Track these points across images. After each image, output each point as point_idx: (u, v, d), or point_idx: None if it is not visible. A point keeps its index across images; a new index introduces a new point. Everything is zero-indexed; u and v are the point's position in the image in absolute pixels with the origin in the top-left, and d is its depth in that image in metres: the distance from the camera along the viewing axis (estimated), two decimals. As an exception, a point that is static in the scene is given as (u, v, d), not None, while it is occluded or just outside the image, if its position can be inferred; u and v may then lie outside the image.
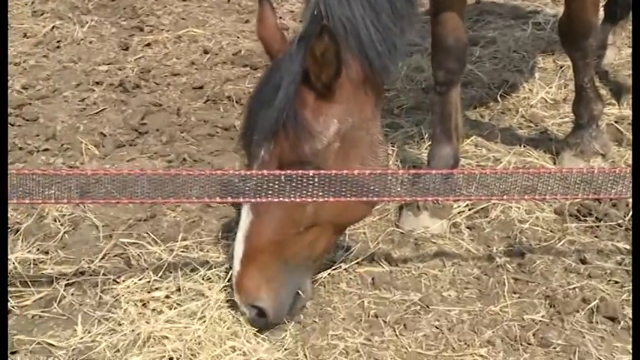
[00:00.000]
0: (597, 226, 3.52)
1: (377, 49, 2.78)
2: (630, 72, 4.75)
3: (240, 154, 2.88)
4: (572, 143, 3.99)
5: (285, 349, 2.83)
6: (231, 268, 2.91)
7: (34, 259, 3.31)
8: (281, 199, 2.54)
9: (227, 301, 2.98)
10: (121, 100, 4.82)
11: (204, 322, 2.90)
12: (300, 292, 2.89)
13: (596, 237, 3.47)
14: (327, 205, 2.72)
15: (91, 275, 3.20)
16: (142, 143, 4.35)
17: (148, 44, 5.67)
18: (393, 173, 2.75)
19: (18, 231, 3.48)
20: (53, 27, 5.92)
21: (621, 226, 3.50)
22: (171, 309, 2.99)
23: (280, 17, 6.01)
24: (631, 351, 2.80)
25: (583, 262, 3.30)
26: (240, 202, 2.80)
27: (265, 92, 2.75)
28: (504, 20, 5.94)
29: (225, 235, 3.47)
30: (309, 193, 2.53)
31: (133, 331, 2.88)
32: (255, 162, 2.75)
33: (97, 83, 5.03)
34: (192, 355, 2.77)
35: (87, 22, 6.02)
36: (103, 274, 3.18)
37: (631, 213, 3.48)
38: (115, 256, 3.36)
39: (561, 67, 4.99)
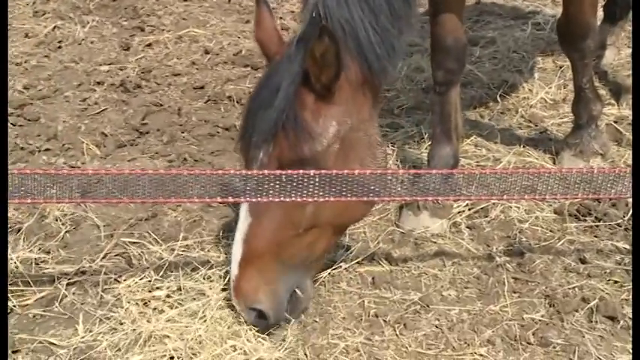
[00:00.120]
0: (597, 226, 3.53)
1: (376, 50, 2.78)
2: (630, 72, 4.76)
3: (238, 156, 2.88)
4: (572, 143, 4.00)
5: (286, 349, 2.84)
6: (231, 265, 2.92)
7: (35, 259, 3.32)
8: (282, 198, 2.54)
9: (228, 300, 2.99)
10: (122, 100, 4.83)
11: (205, 321, 2.91)
12: (301, 293, 2.89)
13: (595, 237, 3.48)
14: (327, 206, 2.72)
15: (92, 274, 3.21)
16: (143, 143, 4.36)
17: (149, 44, 5.68)
18: (394, 173, 2.76)
19: (19, 230, 3.49)
20: (54, 27, 5.93)
21: (621, 226, 3.51)
22: (172, 308, 3.00)
23: (281, 17, 6.03)
24: (631, 350, 2.81)
25: (583, 261, 3.31)
26: (241, 202, 2.80)
27: (264, 94, 2.75)
28: (504, 21, 5.95)
29: (226, 234, 3.48)
30: (310, 193, 2.53)
31: (134, 330, 2.89)
32: (254, 164, 2.74)
33: (98, 83, 5.04)
34: (193, 354, 2.78)
35: (88, 23, 6.03)
36: (104, 274, 3.19)
37: (630, 213, 3.49)
38: (116, 255, 3.37)
39: (561, 68, 4.99)
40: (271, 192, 2.54)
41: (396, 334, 2.93)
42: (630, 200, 3.22)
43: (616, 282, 3.18)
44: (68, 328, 2.95)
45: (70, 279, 3.19)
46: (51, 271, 3.24)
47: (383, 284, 3.19)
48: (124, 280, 3.16)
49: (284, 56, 2.78)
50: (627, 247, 3.36)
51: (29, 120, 4.56)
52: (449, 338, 2.91)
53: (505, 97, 4.72)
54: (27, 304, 3.08)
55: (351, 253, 3.35)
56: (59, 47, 5.64)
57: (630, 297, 3.03)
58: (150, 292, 3.10)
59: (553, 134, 4.33)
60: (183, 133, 4.46)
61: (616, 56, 5.13)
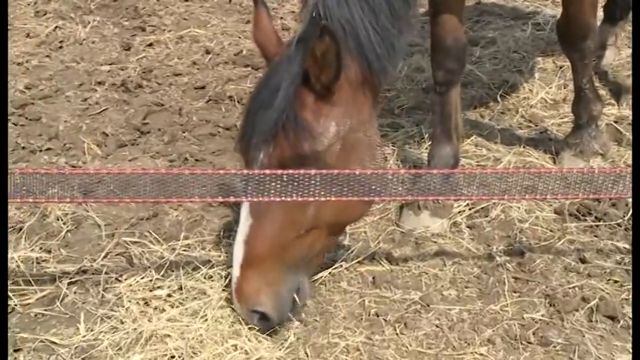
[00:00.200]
0: (597, 226, 3.54)
1: (376, 50, 2.78)
2: (630, 72, 4.77)
3: (238, 157, 2.88)
4: (572, 143, 4.01)
5: (287, 348, 2.85)
6: (232, 266, 2.93)
7: (36, 258, 3.33)
8: (283, 198, 2.54)
9: (228, 299, 2.99)
10: (123, 99, 4.84)
11: (205, 320, 2.91)
12: (298, 292, 2.89)
13: (595, 236, 3.49)
14: (327, 206, 2.73)
15: (93, 274, 3.22)
16: (144, 143, 4.37)
17: (150, 44, 5.69)
18: (394, 173, 2.76)
19: (21, 230, 3.50)
20: (56, 27, 5.94)
21: (621, 226, 3.52)
22: (173, 307, 3.01)
23: (282, 18, 6.04)
24: (631, 350, 2.81)
25: (583, 261, 3.31)
26: (242, 202, 2.81)
27: (264, 95, 2.74)
28: (504, 21, 5.95)
29: (226, 234, 3.48)
30: (311, 193, 2.53)
31: (135, 329, 2.89)
32: (255, 165, 2.73)
33: (100, 83, 5.05)
34: (193, 353, 2.78)
35: (89, 23, 6.03)
36: (106, 273, 3.20)
37: (630, 212, 3.49)
38: (117, 254, 3.38)
39: (561, 68, 5.00)
40: (272, 192, 2.54)
41: (397, 334, 2.94)
42: (630, 200, 3.22)
43: (616, 282, 3.19)
44: (69, 327, 2.96)
45: (71, 278, 3.19)
46: (52, 271, 3.25)
47: (383, 284, 3.20)
48: (125, 280, 3.17)
49: (284, 57, 2.78)
50: (627, 246, 3.36)
51: (31, 120, 4.57)
52: (449, 338, 2.92)
53: (505, 97, 4.72)
54: (28, 303, 3.08)
55: (351, 252, 3.35)
56: (60, 47, 5.65)
57: (630, 296, 3.03)
58: (151, 291, 3.10)
59: (553, 134, 4.34)
60: (184, 132, 4.47)
61: (616, 56, 5.13)
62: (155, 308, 3.01)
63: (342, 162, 2.73)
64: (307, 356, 2.83)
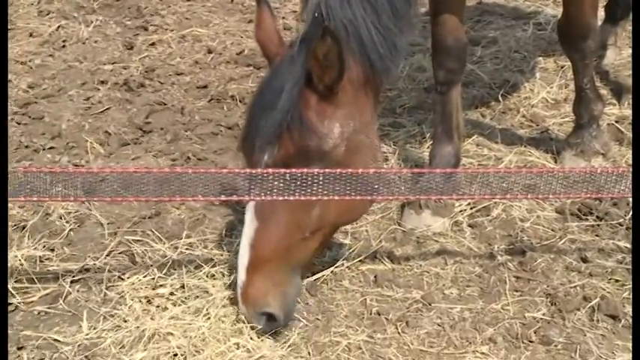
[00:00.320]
0: (598, 225, 3.54)
1: (379, 50, 2.78)
2: (631, 72, 4.78)
3: (240, 156, 2.88)
4: (573, 143, 4.01)
5: (289, 346, 2.86)
6: (234, 265, 2.94)
7: (40, 256, 3.34)
8: (286, 197, 2.55)
9: (231, 298, 3.00)
10: (125, 99, 4.85)
11: (208, 318, 2.92)
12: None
13: (597, 236, 3.49)
14: (332, 207, 2.73)
15: (96, 272, 3.24)
16: (147, 142, 4.38)
17: (153, 44, 5.70)
18: (397, 172, 2.77)
19: (24, 228, 3.51)
20: (59, 26, 5.96)
21: (622, 225, 3.52)
22: (175, 306, 3.02)
23: (283, 17, 6.04)
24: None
25: (584, 260, 3.32)
26: (245, 201, 2.81)
27: (267, 96, 2.73)
28: (505, 21, 5.96)
29: (229, 232, 3.50)
30: (314, 192, 2.54)
31: (137, 327, 2.90)
32: (259, 167, 2.72)
33: (102, 82, 5.06)
34: (196, 351, 2.79)
35: (92, 22, 6.05)
36: (108, 271, 3.21)
37: (631, 212, 3.50)
38: (120, 253, 3.39)
39: (562, 67, 5.00)
40: (275, 191, 2.54)
41: (398, 332, 2.95)
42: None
43: (617, 281, 3.20)
44: (72, 325, 2.97)
45: (74, 276, 3.21)
46: (55, 269, 3.26)
47: (385, 282, 3.21)
48: (128, 278, 3.18)
49: (286, 58, 2.77)
50: (628, 246, 3.37)
51: (34, 118, 4.59)
52: (451, 336, 2.93)
53: (507, 97, 4.73)
54: (32, 301, 3.10)
55: (353, 251, 3.37)
56: (63, 46, 5.66)
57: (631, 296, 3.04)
58: (153, 289, 3.11)
59: (554, 134, 4.34)
60: (186, 131, 4.48)
61: (617, 56, 5.14)
62: (157, 306, 3.02)
63: (345, 162, 2.72)
64: (309, 355, 2.84)
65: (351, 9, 2.74)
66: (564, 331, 2.94)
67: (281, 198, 2.56)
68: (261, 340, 2.84)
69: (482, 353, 2.85)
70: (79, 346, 2.86)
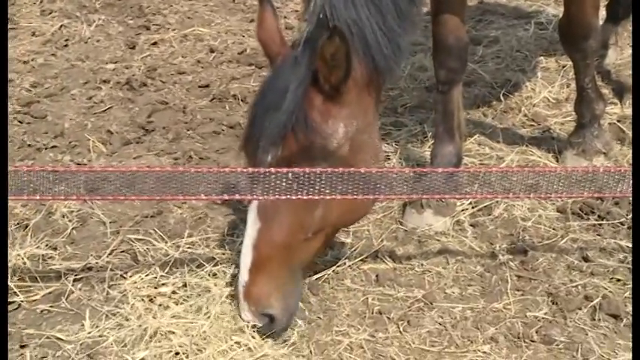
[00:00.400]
0: (600, 225, 3.55)
1: (383, 51, 2.77)
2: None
3: (242, 155, 2.88)
4: (575, 142, 4.02)
5: (290, 345, 2.86)
6: (236, 264, 2.94)
7: (42, 255, 3.35)
8: (289, 196, 2.55)
9: (232, 296, 3.01)
10: (127, 98, 4.87)
11: (210, 317, 2.93)
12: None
13: (598, 235, 3.50)
14: (334, 207, 2.74)
15: (98, 271, 3.24)
16: (149, 141, 4.39)
17: (155, 43, 5.71)
18: (399, 171, 2.77)
19: (27, 227, 3.52)
20: (61, 26, 5.97)
21: (623, 225, 3.52)
22: (177, 304, 3.02)
23: (285, 17, 6.05)
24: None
25: (585, 259, 3.32)
26: (248, 200, 2.82)
27: (270, 97, 2.72)
28: (507, 20, 5.96)
29: (230, 231, 3.50)
30: (317, 191, 2.54)
31: (139, 326, 2.91)
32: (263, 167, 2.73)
33: (105, 81, 5.07)
34: (198, 350, 2.80)
35: (94, 21, 6.06)
36: (111, 270, 3.22)
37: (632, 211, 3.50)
38: (122, 251, 3.40)
39: (564, 67, 5.00)
40: (278, 190, 2.54)
41: (400, 331, 2.95)
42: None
43: (619, 280, 3.20)
44: (75, 324, 2.98)
45: (76, 275, 3.21)
46: (58, 267, 3.27)
47: (387, 282, 3.21)
48: (130, 277, 3.18)
49: (290, 58, 2.75)
50: (630, 245, 3.37)
51: (36, 117, 4.60)
52: (452, 336, 2.93)
53: (508, 96, 4.73)
54: (34, 300, 3.10)
55: (355, 250, 3.37)
56: (66, 46, 5.68)
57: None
58: (155, 288, 3.12)
59: (556, 133, 4.34)
60: (188, 130, 4.49)
61: (619, 56, 5.14)
62: (160, 305, 3.03)
63: (348, 162, 2.72)
64: (311, 354, 2.85)
65: (356, 10, 2.72)
66: (566, 331, 2.95)
67: (283, 197, 2.56)
68: (263, 339, 2.85)
69: (484, 352, 2.85)
70: (81, 344, 2.87)
